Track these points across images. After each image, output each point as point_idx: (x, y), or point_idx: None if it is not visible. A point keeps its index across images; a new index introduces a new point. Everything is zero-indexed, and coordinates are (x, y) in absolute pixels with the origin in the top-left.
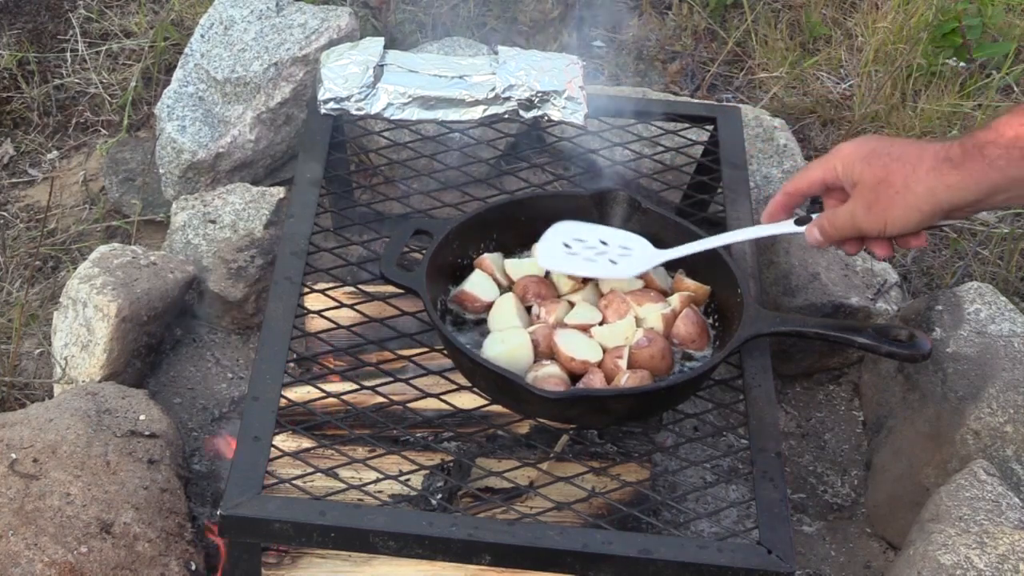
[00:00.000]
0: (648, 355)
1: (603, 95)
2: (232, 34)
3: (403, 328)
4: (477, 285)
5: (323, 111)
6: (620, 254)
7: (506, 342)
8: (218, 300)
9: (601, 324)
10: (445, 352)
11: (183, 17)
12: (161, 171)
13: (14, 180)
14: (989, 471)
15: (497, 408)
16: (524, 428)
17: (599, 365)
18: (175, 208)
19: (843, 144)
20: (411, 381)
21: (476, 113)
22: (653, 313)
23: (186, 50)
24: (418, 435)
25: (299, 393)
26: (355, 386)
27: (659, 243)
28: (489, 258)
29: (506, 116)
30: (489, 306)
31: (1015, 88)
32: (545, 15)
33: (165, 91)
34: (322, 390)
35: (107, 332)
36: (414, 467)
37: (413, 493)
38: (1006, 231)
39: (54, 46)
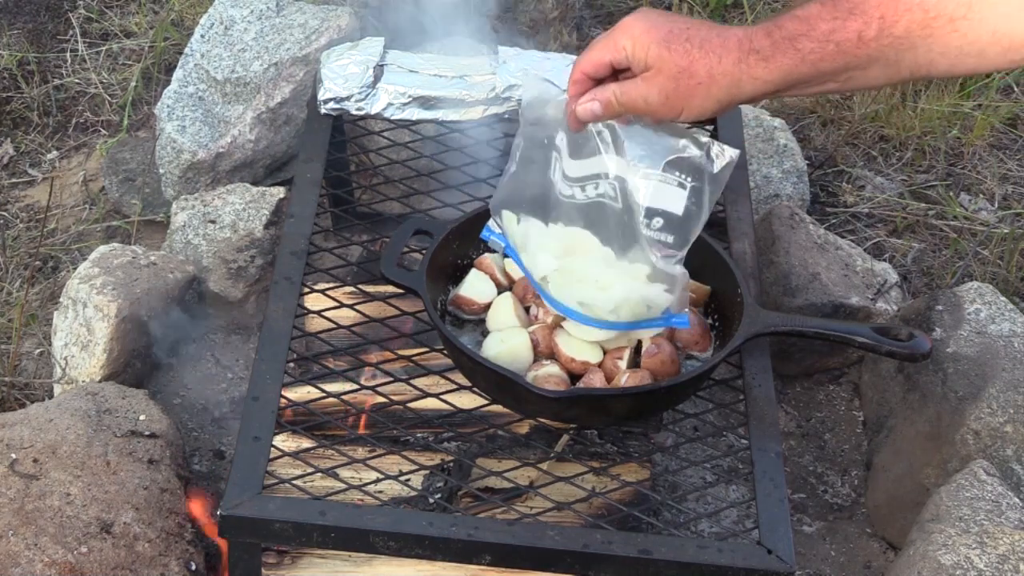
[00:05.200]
0: (659, 361)
1: None
2: (232, 34)
3: (403, 328)
4: (472, 287)
5: (323, 111)
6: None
7: (506, 342)
8: (218, 300)
9: None
10: (445, 352)
11: (183, 17)
12: (161, 171)
13: (14, 180)
14: (989, 471)
15: (497, 408)
16: (524, 428)
17: (599, 365)
18: (175, 208)
19: (631, 20)
20: (411, 381)
21: (476, 113)
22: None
23: (186, 50)
24: (418, 435)
25: (299, 393)
26: (355, 386)
27: None
28: (489, 258)
29: (506, 116)
30: (486, 307)
31: (1015, 88)
32: (545, 15)
33: (165, 91)
34: (322, 390)
35: (107, 332)
36: (414, 467)
37: (413, 493)
38: (1006, 231)
39: (54, 46)
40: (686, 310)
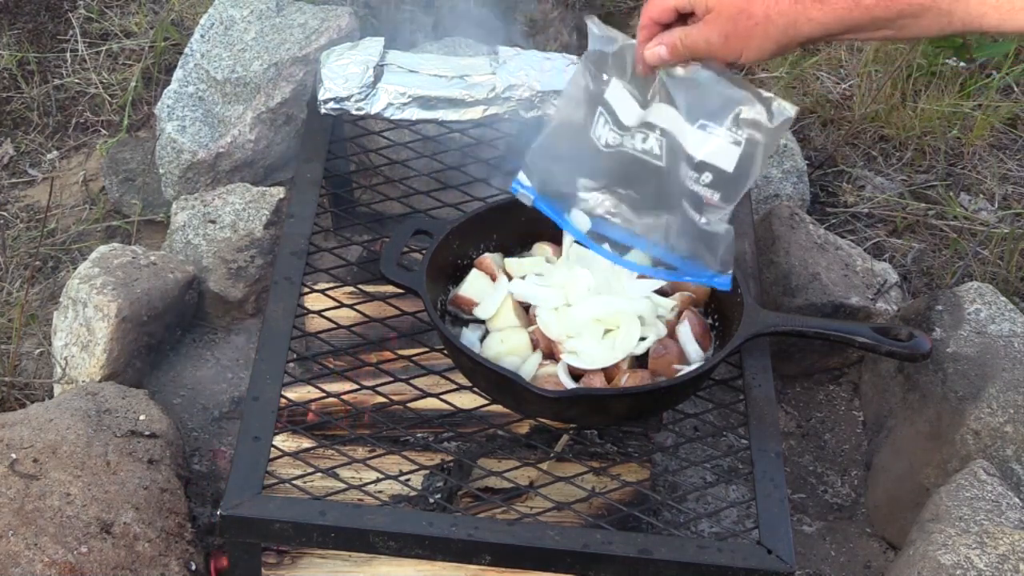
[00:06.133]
0: (667, 362)
1: None
2: (232, 34)
3: (403, 328)
4: (472, 287)
5: (323, 111)
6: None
7: (506, 342)
8: (218, 300)
9: None
10: (445, 352)
11: (183, 17)
12: (161, 171)
13: (14, 180)
14: (989, 471)
15: (497, 408)
16: (524, 428)
17: None
18: (175, 208)
19: None
20: (411, 381)
21: (476, 113)
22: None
23: (186, 50)
24: (418, 435)
25: (299, 393)
26: (355, 386)
27: None
28: (489, 258)
29: (506, 116)
30: None
31: (1015, 88)
32: (545, 15)
33: (165, 91)
34: (322, 390)
35: (107, 332)
36: (414, 467)
37: (413, 493)
38: (1006, 231)
39: (54, 46)
40: (730, 271)
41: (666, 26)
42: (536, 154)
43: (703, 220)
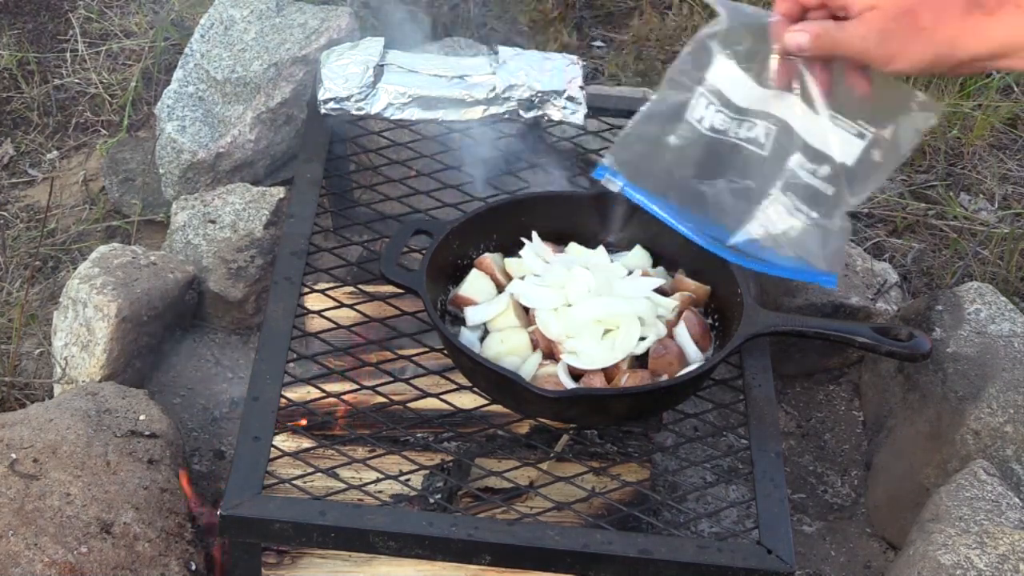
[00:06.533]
0: (667, 362)
1: (603, 95)
2: (232, 34)
3: (403, 328)
4: (472, 286)
5: (323, 111)
6: None
7: (506, 342)
8: (218, 300)
9: None
10: (445, 352)
11: (183, 17)
12: (161, 171)
13: (14, 180)
14: (989, 471)
15: (497, 408)
16: (524, 428)
17: None
18: (175, 208)
19: None
20: (411, 381)
21: (476, 113)
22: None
23: (186, 50)
24: (418, 435)
25: (299, 393)
26: (355, 386)
27: (659, 245)
28: (489, 258)
29: (506, 116)
30: None
31: (1015, 88)
32: (545, 15)
33: (165, 91)
34: (322, 390)
35: (107, 332)
36: (414, 467)
37: (413, 493)
38: (1006, 231)
39: (54, 46)
40: (838, 270)
41: (804, 9)
42: (627, 139)
43: (813, 215)
